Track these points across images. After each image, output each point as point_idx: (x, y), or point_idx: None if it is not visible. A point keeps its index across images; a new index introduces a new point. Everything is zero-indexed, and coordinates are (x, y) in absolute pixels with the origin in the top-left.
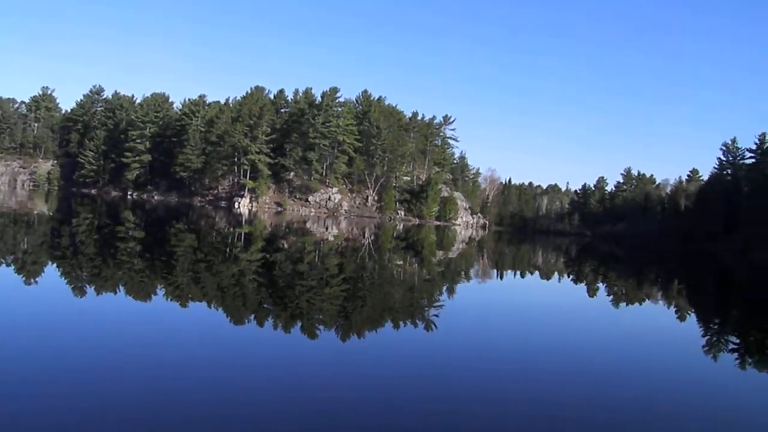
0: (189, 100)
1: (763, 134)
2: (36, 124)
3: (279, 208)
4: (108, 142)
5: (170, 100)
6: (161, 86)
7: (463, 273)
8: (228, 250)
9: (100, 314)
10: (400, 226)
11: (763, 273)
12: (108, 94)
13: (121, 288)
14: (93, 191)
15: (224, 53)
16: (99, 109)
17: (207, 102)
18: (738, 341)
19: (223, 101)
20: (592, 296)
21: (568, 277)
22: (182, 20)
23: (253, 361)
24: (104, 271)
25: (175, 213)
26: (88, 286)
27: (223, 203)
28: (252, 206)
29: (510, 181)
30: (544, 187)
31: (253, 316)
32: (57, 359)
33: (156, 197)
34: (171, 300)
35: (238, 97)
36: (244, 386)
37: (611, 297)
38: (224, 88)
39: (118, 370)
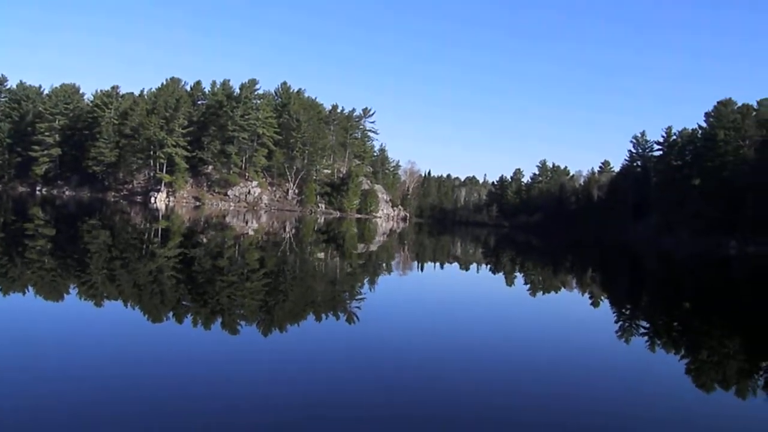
0: (101, 91)
1: (669, 128)
2: None
3: (197, 203)
4: (13, 135)
5: (81, 92)
6: (71, 77)
7: (384, 265)
8: (144, 246)
9: (7, 316)
10: (321, 220)
11: (669, 259)
12: (12, 83)
13: (31, 288)
14: None
15: (138, 43)
16: (2, 99)
17: (120, 93)
18: (648, 325)
19: (137, 93)
20: (510, 285)
21: (487, 266)
22: (91, 7)
23: (173, 359)
24: (11, 271)
25: (87, 209)
26: None
27: (138, 198)
28: (169, 201)
29: (429, 173)
30: (462, 179)
31: (171, 313)
32: None
33: (67, 193)
34: (85, 299)
35: (153, 89)
36: (161, 385)
37: (528, 285)
38: (138, 80)
39: (27, 373)
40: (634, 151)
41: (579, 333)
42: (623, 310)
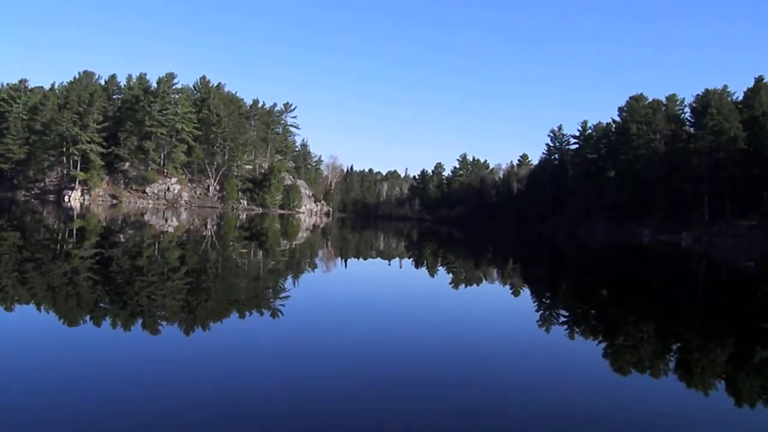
0: (8, 84)
1: (585, 122)
2: None
3: (114, 201)
4: None
5: None
6: None
7: (307, 261)
8: (59, 247)
9: None
10: (244, 216)
11: (586, 248)
12: None
13: None
14: None
15: (47, 34)
16: None
17: (29, 87)
18: (567, 313)
19: (47, 87)
20: (432, 277)
21: (410, 260)
22: None
23: (89, 362)
24: None
25: None
26: None
27: (51, 197)
28: (84, 199)
29: (352, 168)
30: (384, 174)
31: (89, 316)
32: None
33: None
34: None
35: (65, 83)
36: (76, 390)
37: (450, 277)
38: (48, 73)
39: None
40: (551, 144)
41: (500, 322)
42: (543, 299)
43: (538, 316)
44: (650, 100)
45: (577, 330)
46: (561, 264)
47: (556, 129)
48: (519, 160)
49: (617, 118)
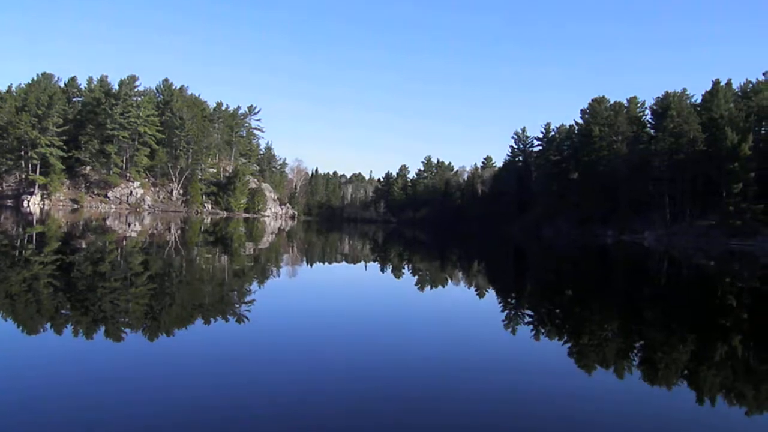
0: None
1: (548, 124)
2: None
3: (75, 206)
4: None
5: None
6: None
7: (273, 265)
8: (17, 253)
9: None
10: (208, 220)
11: (551, 249)
12: None
13: None
14: None
15: (4, 35)
16: None
17: None
18: (532, 313)
19: (4, 89)
20: (398, 279)
21: (375, 262)
22: None
23: (50, 371)
24: None
25: None
26: None
27: (9, 202)
28: (44, 204)
29: (317, 171)
30: (349, 177)
31: (49, 324)
32: None
33: None
34: None
35: (23, 85)
36: (42, 398)
37: (416, 279)
38: (3, 75)
39: None
40: (515, 146)
41: (465, 324)
42: (508, 300)
43: (503, 317)
44: (612, 102)
45: (542, 330)
46: (526, 265)
47: (520, 131)
48: (483, 163)
49: (580, 120)
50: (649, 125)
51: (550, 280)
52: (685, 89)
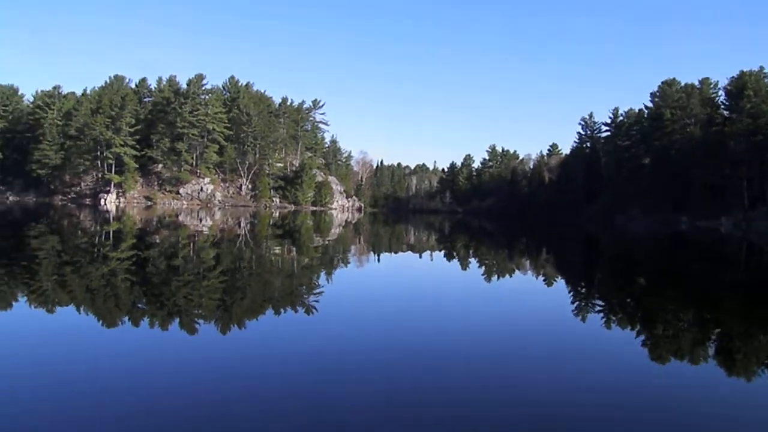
0: (42, 91)
1: (616, 109)
2: None
3: (149, 203)
4: None
5: (20, 93)
6: (4, 78)
7: (341, 257)
8: (96, 249)
9: None
10: (276, 214)
11: (622, 237)
12: None
13: None
14: None
15: (77, 40)
16: None
17: (62, 93)
18: (603, 303)
19: (80, 92)
20: (464, 270)
21: (442, 253)
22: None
23: (128, 363)
24: None
25: (33, 214)
26: None
27: (87, 201)
28: (119, 202)
29: (382, 162)
30: (413, 168)
31: (127, 317)
32: None
33: (11, 198)
34: (35, 307)
35: (97, 88)
36: (117, 390)
37: (483, 269)
38: (79, 78)
39: None
40: (582, 132)
41: (534, 314)
42: (578, 290)
43: (572, 306)
44: (683, 84)
45: (614, 319)
46: (596, 253)
47: (587, 117)
48: (549, 150)
49: (649, 104)
50: (723, 106)
51: (622, 268)
52: (762, 67)
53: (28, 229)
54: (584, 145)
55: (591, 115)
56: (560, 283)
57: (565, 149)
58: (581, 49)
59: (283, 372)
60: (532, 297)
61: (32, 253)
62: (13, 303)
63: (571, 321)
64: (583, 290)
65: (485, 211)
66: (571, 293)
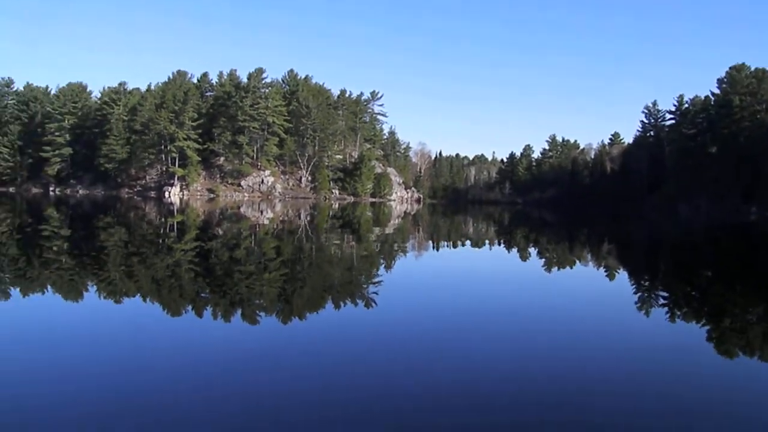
0: (108, 88)
1: (681, 96)
2: None
3: (211, 195)
4: (23, 136)
5: (88, 90)
6: (74, 75)
7: (400, 248)
8: (161, 241)
9: (30, 315)
10: (336, 205)
11: (688, 228)
12: (19, 86)
13: (50, 288)
14: (11, 189)
15: (141, 37)
16: (10, 102)
17: (128, 89)
18: (667, 295)
19: (144, 88)
20: (524, 261)
21: (501, 244)
22: (87, 5)
23: (193, 351)
24: (30, 271)
25: (102, 207)
26: (12, 288)
27: (152, 193)
28: (183, 194)
29: (440, 153)
30: (471, 158)
31: (191, 306)
32: None
33: (81, 191)
34: (104, 296)
35: (160, 83)
36: (187, 377)
37: (543, 261)
38: (143, 74)
39: (55, 371)
40: (646, 121)
41: (596, 306)
42: (641, 282)
43: (636, 299)
44: (753, 69)
45: (678, 313)
46: (661, 245)
47: (651, 105)
48: (610, 139)
49: (717, 90)
50: None
51: (687, 260)
52: None
53: (97, 221)
54: (648, 134)
55: (655, 104)
56: (623, 275)
57: (628, 138)
58: (643, 35)
59: (343, 361)
60: (592, 288)
61: (101, 244)
62: (84, 293)
63: (633, 314)
64: (647, 283)
65: (545, 201)
66: (634, 285)
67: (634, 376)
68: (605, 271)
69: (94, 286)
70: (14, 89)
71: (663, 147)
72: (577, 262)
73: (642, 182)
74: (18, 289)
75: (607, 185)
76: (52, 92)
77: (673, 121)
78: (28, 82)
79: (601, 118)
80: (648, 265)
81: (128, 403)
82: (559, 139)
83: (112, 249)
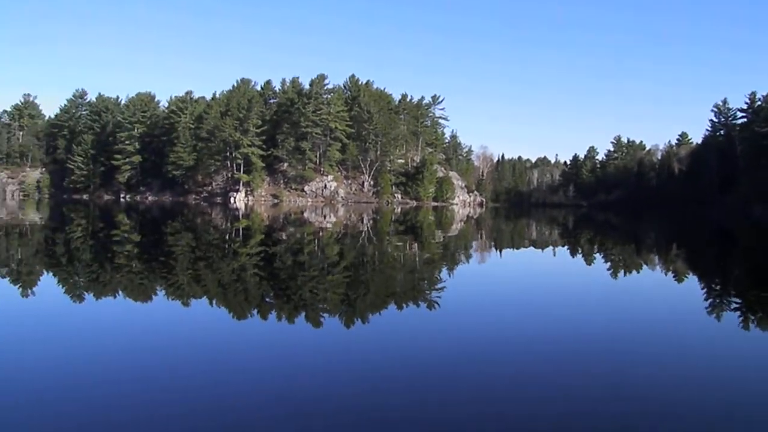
0: (175, 97)
1: (753, 93)
2: (20, 133)
3: (275, 200)
4: (96, 145)
5: (156, 99)
6: (141, 85)
7: (462, 251)
8: (227, 245)
9: (104, 319)
10: (398, 210)
11: (762, 231)
12: (91, 97)
13: (121, 291)
14: (84, 196)
15: (206, 47)
16: (84, 113)
17: (194, 98)
18: (740, 300)
19: (209, 96)
20: (589, 265)
21: (566, 248)
22: (158, 17)
23: (261, 355)
24: (102, 276)
25: (170, 212)
26: (87, 293)
27: (218, 199)
28: (248, 200)
29: (503, 156)
30: (534, 161)
31: (256, 310)
32: (66, 366)
33: (150, 198)
34: (173, 299)
35: (225, 91)
36: (256, 379)
37: (609, 265)
38: (208, 82)
39: (126, 372)
40: (716, 120)
41: (666, 311)
42: (712, 286)
43: (706, 305)
44: None
45: (752, 318)
46: (732, 248)
47: (721, 103)
48: (678, 139)
49: None
50: None
51: (760, 266)
52: None
53: (165, 227)
54: (717, 133)
55: (725, 102)
56: (690, 279)
57: (696, 138)
58: (710, 32)
59: (405, 365)
60: (664, 294)
61: (169, 249)
62: (153, 297)
63: (703, 321)
64: (718, 287)
65: (611, 204)
66: (705, 290)
67: (698, 383)
68: (673, 276)
69: (163, 290)
70: (87, 100)
71: (734, 146)
72: (645, 266)
73: (712, 183)
74: (91, 294)
75: (675, 186)
76: (123, 102)
77: (744, 120)
78: (99, 93)
79: (667, 118)
80: (718, 270)
81: (203, 404)
82: (624, 140)
83: (180, 253)
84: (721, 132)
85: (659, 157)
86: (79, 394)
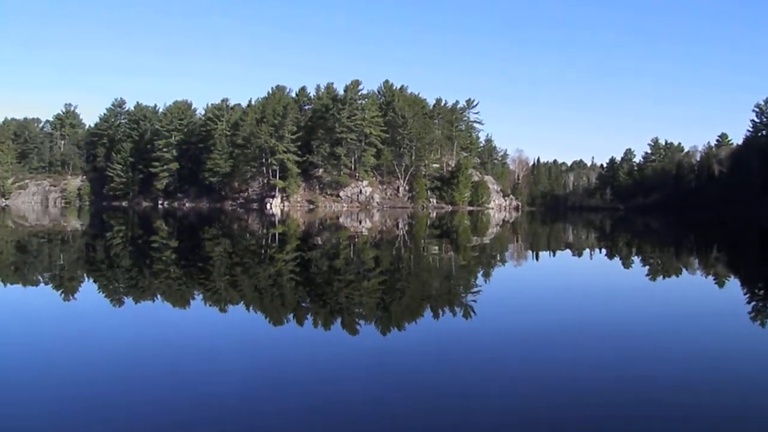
0: (212, 104)
1: None
2: (62, 142)
3: (311, 206)
4: (135, 153)
5: (193, 107)
6: (178, 93)
7: (498, 256)
8: (263, 251)
9: (143, 324)
10: (434, 214)
11: None
12: (130, 105)
13: (160, 297)
14: (124, 203)
15: (240, 53)
16: (123, 121)
17: (230, 105)
18: None
19: (245, 103)
20: (627, 269)
21: (603, 252)
22: (193, 25)
23: (297, 360)
24: (141, 281)
25: (207, 219)
26: (126, 298)
27: (254, 205)
28: (284, 206)
29: (538, 160)
30: (569, 164)
31: (292, 315)
32: (105, 371)
33: (187, 204)
34: (210, 305)
35: (260, 98)
36: (293, 383)
37: (647, 269)
38: (244, 89)
39: (168, 376)
40: (757, 120)
41: (706, 316)
42: (755, 290)
43: (750, 308)
44: None
45: None
46: None
47: (762, 103)
48: (717, 140)
49: None
50: None
51: None
52: None
53: (203, 233)
54: (759, 134)
55: (767, 101)
56: (733, 283)
57: (737, 139)
58: (748, 33)
59: (440, 369)
60: (704, 298)
61: (207, 255)
62: (190, 301)
63: (747, 324)
64: (761, 291)
65: (648, 207)
66: (747, 294)
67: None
68: (714, 279)
69: (200, 295)
70: (126, 109)
71: None
72: (685, 270)
73: (754, 185)
74: (131, 299)
75: (715, 188)
76: (160, 110)
77: None
78: (138, 102)
79: (705, 120)
80: (761, 274)
81: (247, 409)
82: (662, 142)
83: (217, 259)
84: (763, 132)
85: (698, 159)
86: (122, 399)
